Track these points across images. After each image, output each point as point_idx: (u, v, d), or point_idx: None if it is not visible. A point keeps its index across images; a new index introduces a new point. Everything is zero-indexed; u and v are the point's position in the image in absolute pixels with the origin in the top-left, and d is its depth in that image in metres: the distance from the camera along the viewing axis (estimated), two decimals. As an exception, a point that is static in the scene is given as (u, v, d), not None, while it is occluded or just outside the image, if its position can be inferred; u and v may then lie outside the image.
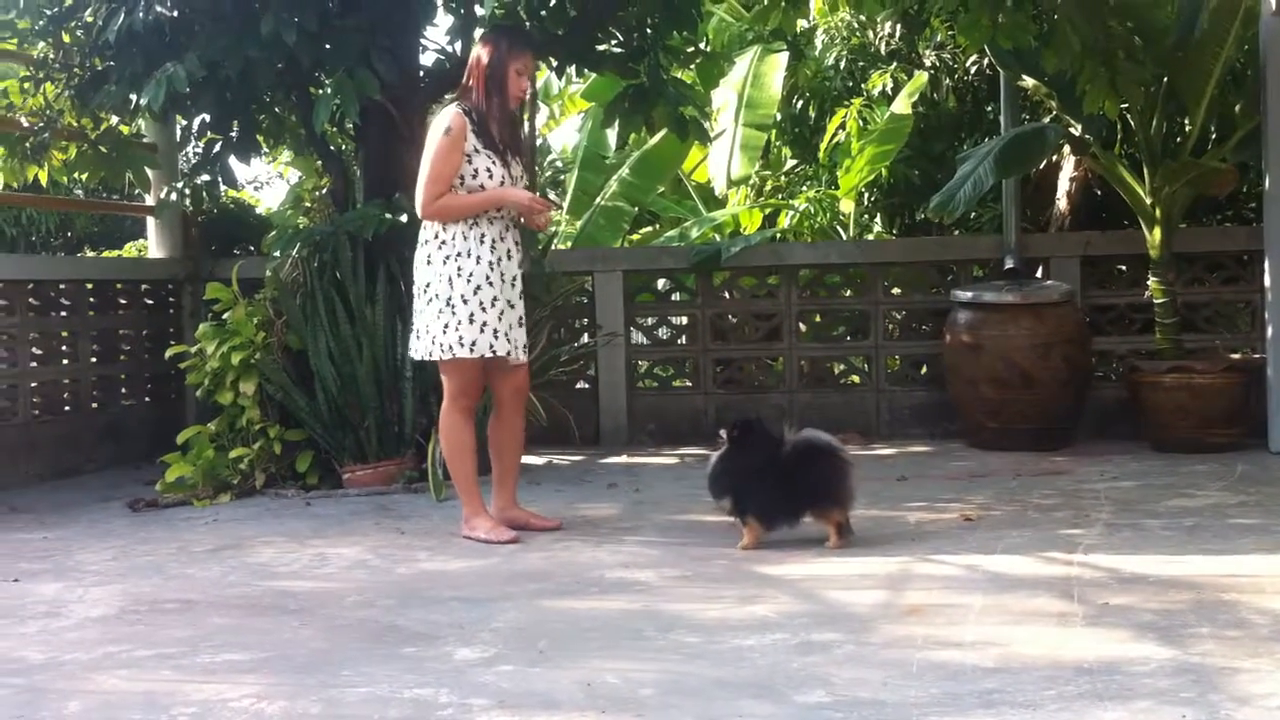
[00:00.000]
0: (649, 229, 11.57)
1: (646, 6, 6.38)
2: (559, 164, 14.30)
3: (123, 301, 7.26)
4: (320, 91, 5.86)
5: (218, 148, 6.49)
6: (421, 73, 6.40)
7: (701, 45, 8.55)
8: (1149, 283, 6.49)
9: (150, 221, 7.82)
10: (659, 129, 7.09)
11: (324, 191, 6.91)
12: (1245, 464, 5.74)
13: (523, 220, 4.74)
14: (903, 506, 4.99)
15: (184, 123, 6.90)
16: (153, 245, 7.86)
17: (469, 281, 4.52)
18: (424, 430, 5.78)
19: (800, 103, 9.44)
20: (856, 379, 7.48)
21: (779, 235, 8.75)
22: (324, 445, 5.96)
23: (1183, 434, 6.14)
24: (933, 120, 8.68)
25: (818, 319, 7.61)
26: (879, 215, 9.09)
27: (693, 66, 7.94)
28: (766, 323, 7.43)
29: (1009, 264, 6.90)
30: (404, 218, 5.78)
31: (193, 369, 6.03)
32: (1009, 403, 6.38)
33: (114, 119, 6.77)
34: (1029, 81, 6.87)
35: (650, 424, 7.35)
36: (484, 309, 4.52)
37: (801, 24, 9.00)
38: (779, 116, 9.37)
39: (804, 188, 9.40)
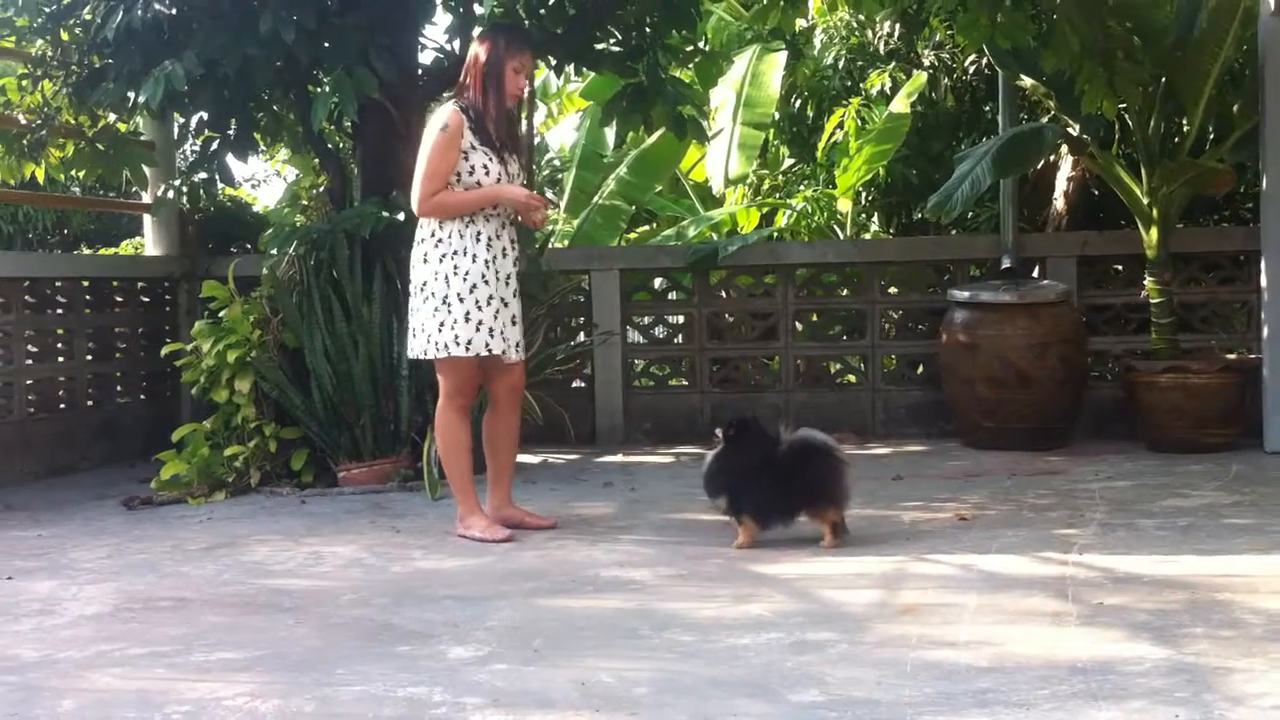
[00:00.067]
0: (646, 228, 11.58)
1: (645, 5, 6.38)
2: (557, 162, 14.31)
3: (119, 299, 7.26)
4: (318, 90, 5.86)
5: (215, 145, 6.48)
6: (420, 71, 6.40)
7: (700, 44, 8.55)
8: (1145, 283, 6.49)
9: (147, 219, 7.81)
10: (657, 128, 7.09)
11: (321, 190, 6.90)
12: (1240, 464, 5.74)
13: (519, 218, 4.74)
14: (898, 506, 4.99)
15: (182, 120, 6.90)
16: (149, 243, 7.86)
17: (465, 280, 4.52)
18: (419, 429, 5.78)
19: (798, 102, 9.45)
20: (853, 378, 7.49)
21: (776, 234, 8.76)
22: (319, 443, 5.96)
23: (1178, 434, 6.14)
24: (931, 120, 8.69)
25: (814, 318, 7.61)
26: (876, 215, 9.10)
27: (691, 65, 7.94)
28: (763, 322, 7.43)
29: (1006, 264, 6.90)
30: (401, 216, 5.78)
31: (188, 367, 6.03)
32: (1005, 402, 6.38)
33: (112, 116, 6.76)
34: (1027, 81, 6.87)
35: (646, 423, 7.35)
36: (480, 307, 4.51)
37: (800, 23, 9.01)
38: (777, 116, 9.38)
39: (801, 187, 9.41)
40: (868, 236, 8.91)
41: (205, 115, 6.39)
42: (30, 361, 6.51)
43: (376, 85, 5.61)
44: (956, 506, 4.91)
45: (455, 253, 4.54)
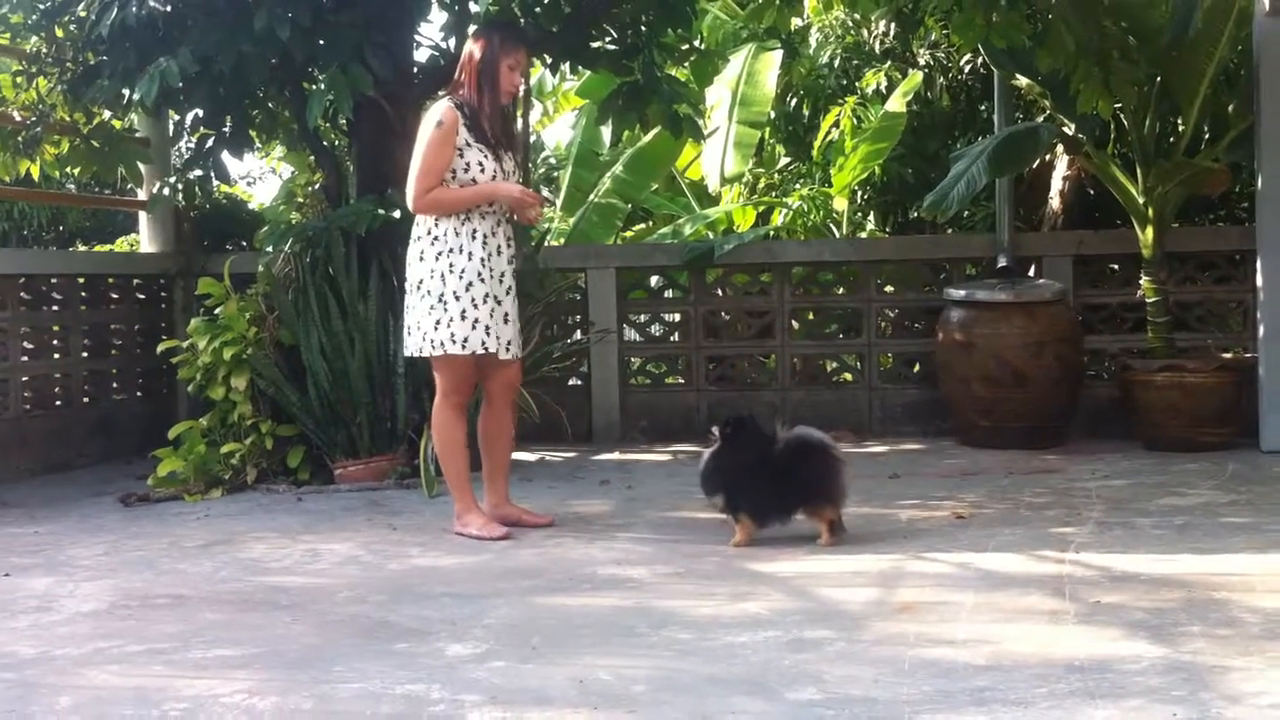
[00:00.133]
0: (642, 226, 11.58)
1: (641, 4, 6.38)
2: (553, 161, 14.29)
3: (114, 296, 7.25)
4: (314, 87, 5.85)
5: (210, 143, 6.47)
6: (415, 69, 6.39)
7: (696, 43, 8.53)
8: (1141, 282, 6.50)
9: (142, 216, 7.80)
10: (653, 126, 7.10)
11: (317, 187, 6.89)
12: (1236, 463, 5.75)
13: (514, 215, 4.74)
14: (895, 504, 5.00)
15: (177, 117, 6.89)
16: (145, 240, 7.84)
17: (461, 278, 4.52)
18: (416, 426, 5.77)
19: (794, 100, 9.45)
20: (849, 376, 7.49)
21: (772, 233, 8.76)
22: (316, 441, 5.95)
23: (1174, 433, 6.15)
24: (926, 119, 8.70)
25: (810, 316, 7.61)
26: (872, 213, 9.10)
27: (687, 64, 7.93)
28: (759, 320, 7.43)
29: (1002, 263, 6.91)
30: (397, 213, 5.77)
31: (184, 364, 6.02)
32: (1001, 401, 6.38)
33: (107, 113, 6.74)
34: (1023, 81, 6.88)
35: (643, 421, 7.34)
36: (476, 305, 4.51)
37: (796, 22, 9.00)
38: (773, 114, 9.38)
39: (797, 185, 9.42)
40: (864, 235, 8.91)
41: (200, 112, 6.38)
42: (26, 358, 6.50)
43: (372, 83, 5.60)
44: (953, 505, 4.91)
45: (451, 250, 4.53)
